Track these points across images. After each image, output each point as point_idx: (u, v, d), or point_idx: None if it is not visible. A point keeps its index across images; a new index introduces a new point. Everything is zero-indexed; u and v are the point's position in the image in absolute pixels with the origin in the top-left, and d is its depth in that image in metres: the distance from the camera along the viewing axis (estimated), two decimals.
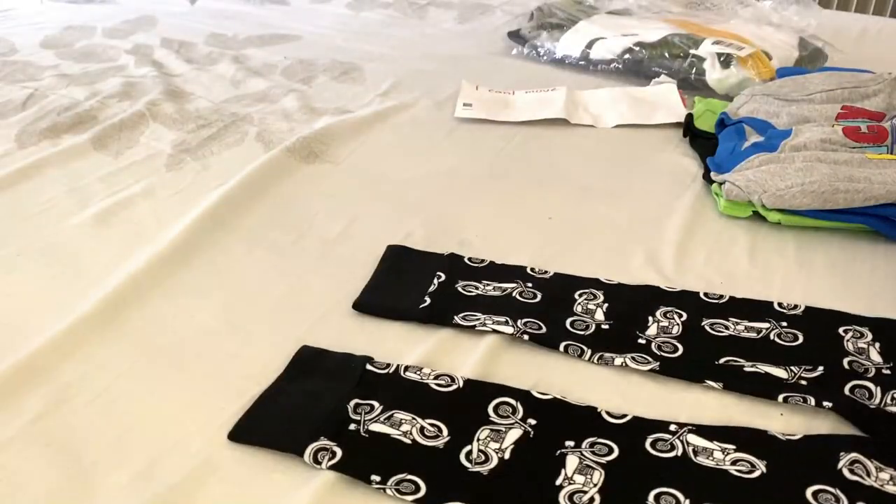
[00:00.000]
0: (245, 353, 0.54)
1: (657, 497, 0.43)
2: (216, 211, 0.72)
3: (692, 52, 1.01)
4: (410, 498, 0.43)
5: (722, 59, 0.99)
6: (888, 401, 0.50)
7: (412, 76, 1.07)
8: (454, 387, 0.50)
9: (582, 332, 0.56)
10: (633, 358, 0.53)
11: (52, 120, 0.90)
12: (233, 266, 0.65)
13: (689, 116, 0.89)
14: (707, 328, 0.57)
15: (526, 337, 0.55)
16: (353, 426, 0.47)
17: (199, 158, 0.83)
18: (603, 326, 0.57)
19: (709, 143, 0.83)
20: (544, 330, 0.56)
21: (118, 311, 0.59)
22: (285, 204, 0.75)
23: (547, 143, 0.88)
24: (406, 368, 0.52)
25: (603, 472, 0.44)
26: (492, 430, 0.47)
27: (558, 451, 0.45)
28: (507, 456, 0.45)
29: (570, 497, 0.43)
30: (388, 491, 0.43)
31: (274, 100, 0.98)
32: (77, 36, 1.23)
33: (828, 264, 0.65)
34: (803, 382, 0.51)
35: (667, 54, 1.03)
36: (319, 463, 0.45)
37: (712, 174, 0.75)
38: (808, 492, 0.43)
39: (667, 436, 0.47)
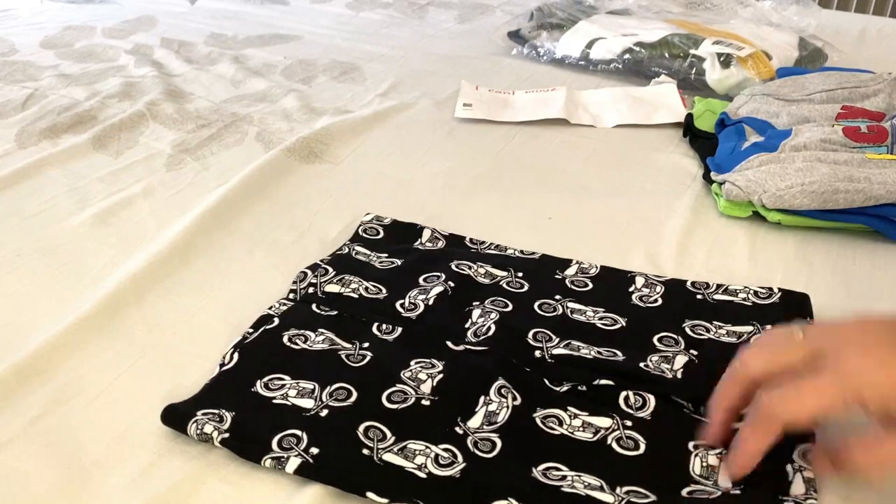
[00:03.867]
0: None
1: (535, 334, 0.54)
2: (216, 211, 0.72)
3: (692, 52, 1.01)
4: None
5: (722, 59, 0.99)
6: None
7: (412, 76, 1.07)
8: (394, 265, 0.63)
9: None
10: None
11: (51, 120, 0.90)
12: (233, 266, 0.65)
13: (689, 116, 0.89)
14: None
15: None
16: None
17: (199, 158, 0.83)
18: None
19: (709, 143, 0.83)
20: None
21: (118, 311, 0.59)
22: (285, 204, 0.75)
23: (547, 143, 0.88)
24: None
25: (498, 315, 0.56)
26: (420, 289, 0.59)
27: (467, 308, 0.57)
28: (430, 303, 0.58)
29: (475, 332, 0.54)
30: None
31: (274, 100, 0.98)
32: (77, 36, 1.23)
33: (828, 264, 0.65)
34: None
35: (667, 54, 1.03)
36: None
37: (712, 174, 0.75)
38: (655, 338, 0.54)
39: (552, 301, 0.58)
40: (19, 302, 0.61)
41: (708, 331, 0.55)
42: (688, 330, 0.55)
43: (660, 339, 0.54)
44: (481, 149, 0.87)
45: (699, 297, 0.59)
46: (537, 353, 0.53)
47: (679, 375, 0.51)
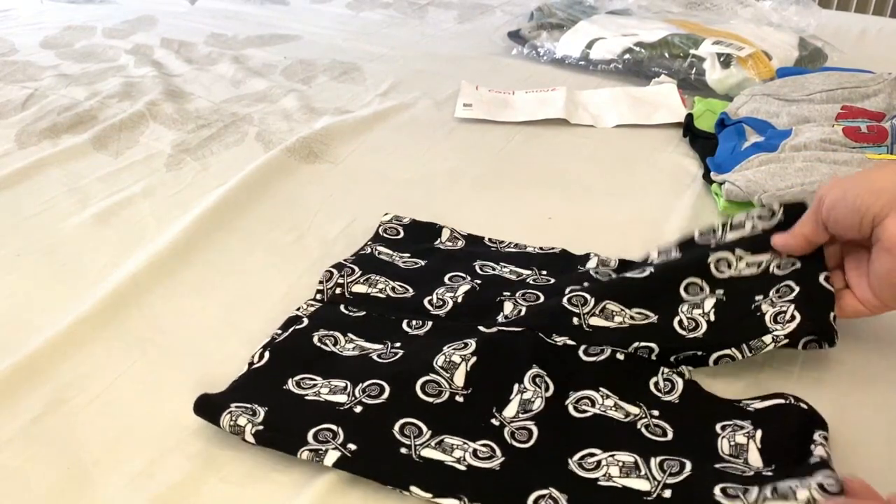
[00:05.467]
0: (245, 353, 0.54)
1: (570, 298, 0.55)
2: (216, 211, 0.72)
3: (692, 52, 1.01)
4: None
5: (722, 59, 0.99)
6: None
7: (412, 76, 1.07)
8: (418, 265, 0.63)
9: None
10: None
11: (52, 120, 0.90)
12: (233, 266, 0.65)
13: (689, 116, 0.89)
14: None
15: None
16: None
17: (199, 158, 0.83)
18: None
19: (709, 143, 0.83)
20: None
21: (118, 311, 0.59)
22: (285, 204, 0.75)
23: (547, 143, 0.88)
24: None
25: (526, 306, 0.56)
26: (447, 287, 0.59)
27: (498, 299, 0.57)
28: (459, 300, 0.58)
29: (506, 316, 0.55)
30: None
31: (274, 100, 0.98)
32: (77, 36, 1.23)
33: None
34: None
35: (667, 54, 1.03)
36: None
37: (712, 174, 0.75)
38: (681, 287, 0.55)
39: (580, 287, 0.57)
40: (19, 302, 0.61)
41: (729, 265, 0.56)
42: (712, 268, 0.56)
43: (685, 288, 0.55)
44: (481, 149, 0.87)
45: (712, 245, 0.59)
46: (575, 321, 0.53)
47: (712, 318, 0.52)
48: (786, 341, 0.50)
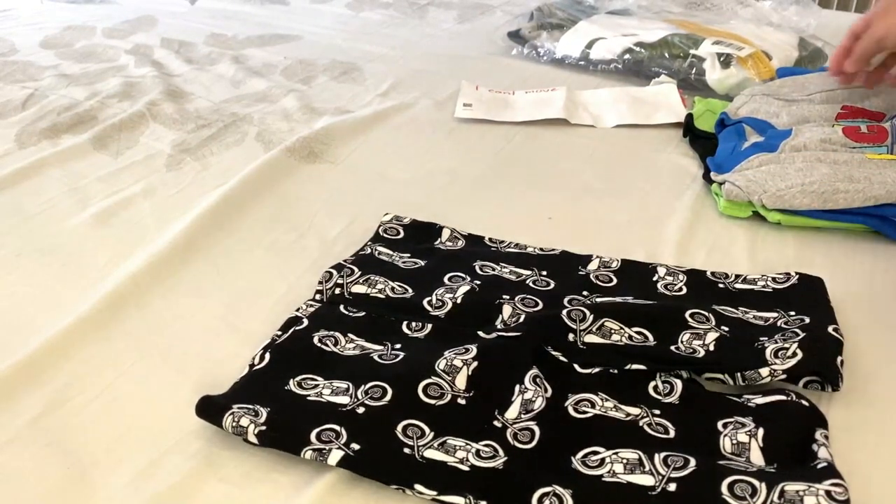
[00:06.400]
0: (245, 353, 0.54)
1: (570, 312, 0.54)
2: (216, 211, 0.72)
3: (692, 52, 1.01)
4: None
5: (722, 59, 0.99)
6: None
7: (412, 76, 1.07)
8: (418, 265, 0.63)
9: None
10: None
11: (51, 120, 0.90)
12: (233, 266, 0.65)
13: (689, 116, 0.89)
14: None
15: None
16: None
17: (199, 158, 0.83)
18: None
19: (709, 143, 0.83)
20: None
21: (118, 311, 0.59)
22: (285, 204, 0.75)
23: (547, 143, 0.88)
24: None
25: (527, 311, 0.56)
26: (447, 288, 0.59)
27: (497, 301, 0.57)
28: (458, 301, 0.57)
29: (505, 321, 0.55)
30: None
31: (274, 100, 0.98)
32: (77, 36, 1.23)
33: (828, 264, 0.65)
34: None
35: (667, 54, 1.03)
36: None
37: (712, 174, 0.75)
38: (687, 313, 0.55)
39: (580, 298, 0.58)
40: (19, 302, 0.61)
41: (735, 314, 0.56)
42: (718, 310, 0.56)
43: (692, 315, 0.55)
44: (481, 149, 0.87)
45: (721, 286, 0.60)
46: (570, 337, 0.53)
47: (711, 349, 0.52)
48: (783, 377, 0.49)
